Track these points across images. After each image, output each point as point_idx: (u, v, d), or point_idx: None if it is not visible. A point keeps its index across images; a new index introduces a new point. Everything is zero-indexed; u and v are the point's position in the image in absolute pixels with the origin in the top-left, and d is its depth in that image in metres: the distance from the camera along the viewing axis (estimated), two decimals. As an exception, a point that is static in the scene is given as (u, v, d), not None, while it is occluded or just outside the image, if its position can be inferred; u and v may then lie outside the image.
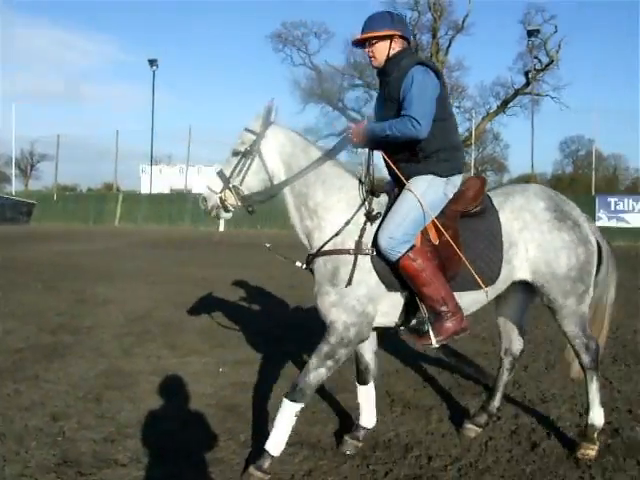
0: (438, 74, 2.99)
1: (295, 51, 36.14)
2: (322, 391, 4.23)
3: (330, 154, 3.14)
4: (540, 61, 31.96)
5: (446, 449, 3.32)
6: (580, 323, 3.22)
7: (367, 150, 3.13)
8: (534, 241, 3.13)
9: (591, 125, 23.08)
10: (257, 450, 3.13)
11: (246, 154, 3.03)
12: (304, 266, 3.18)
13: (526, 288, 3.36)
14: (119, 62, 75.56)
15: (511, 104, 33.57)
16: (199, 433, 3.53)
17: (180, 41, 69.91)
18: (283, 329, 6.09)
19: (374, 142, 3.03)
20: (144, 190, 30.43)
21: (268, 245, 3.40)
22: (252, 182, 3.06)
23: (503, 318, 3.63)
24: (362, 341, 3.12)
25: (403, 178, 2.99)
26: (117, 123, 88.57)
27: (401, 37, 3.07)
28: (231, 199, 3.06)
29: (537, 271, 3.15)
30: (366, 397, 3.42)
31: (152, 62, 30.86)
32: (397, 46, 3.07)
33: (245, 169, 3.03)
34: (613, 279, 3.45)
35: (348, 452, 3.27)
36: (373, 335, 3.34)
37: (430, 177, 3.00)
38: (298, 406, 2.98)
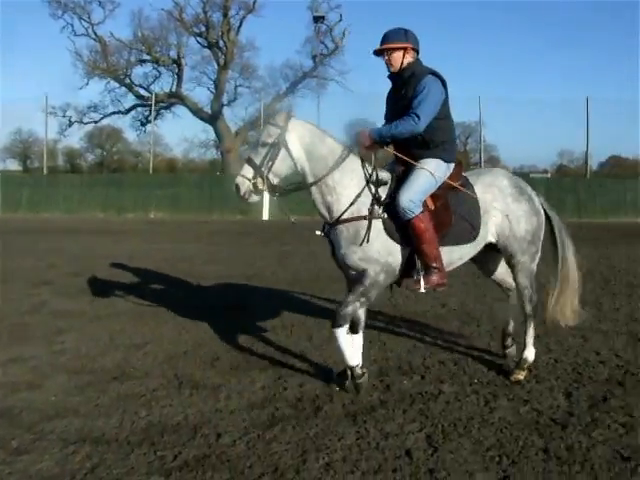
0: (444, 83, 3.80)
1: (76, 19, 33.08)
2: (103, 383, 4.03)
3: (342, 143, 3.84)
4: (327, 47, 33.43)
5: (234, 425, 3.37)
6: (529, 278, 4.14)
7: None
8: (501, 210, 3.99)
9: (374, 109, 24.60)
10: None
11: (273, 145, 3.64)
12: (322, 234, 3.89)
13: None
14: None
15: (300, 86, 34.69)
16: (-40, 446, 3.13)
17: None
18: (59, 320, 5.67)
19: (382, 141, 3.79)
20: None
21: (294, 220, 4.04)
22: (280, 168, 3.69)
23: (494, 274, 4.55)
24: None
25: (413, 161, 3.76)
26: None
27: (413, 49, 3.83)
28: (261, 184, 3.64)
29: (502, 234, 4.03)
30: (357, 344, 3.94)
31: None
32: (409, 56, 3.82)
33: (274, 158, 3.64)
34: (570, 245, 4.31)
35: (341, 389, 3.86)
36: None
37: (437, 160, 3.80)
38: (345, 328, 3.75)
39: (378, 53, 3.91)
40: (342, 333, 3.76)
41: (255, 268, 9.09)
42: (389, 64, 3.85)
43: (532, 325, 4.21)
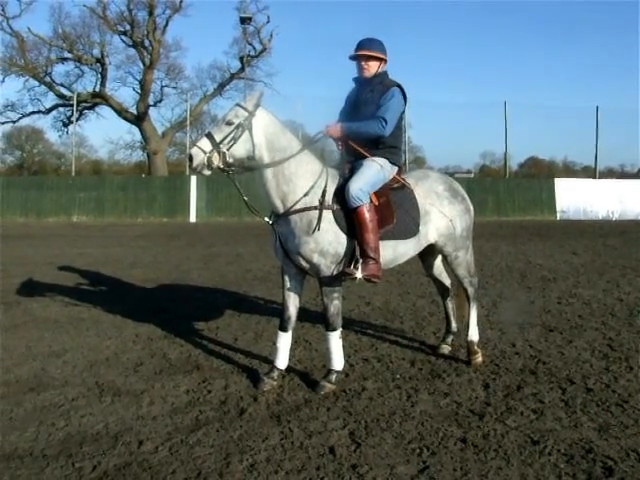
0: (406, 96, 4.13)
1: (-10, 12, 31.19)
2: (19, 395, 3.86)
3: (301, 138, 4.07)
4: (254, 48, 33.25)
5: (157, 431, 3.31)
6: (467, 268, 4.51)
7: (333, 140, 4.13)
8: (439, 213, 4.25)
9: (300, 111, 24.53)
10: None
11: (239, 126, 3.73)
12: (271, 222, 3.95)
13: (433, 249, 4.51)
14: None
15: (227, 87, 34.32)
16: None
17: None
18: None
19: (349, 136, 3.99)
20: None
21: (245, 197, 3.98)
22: (239, 150, 3.76)
23: (431, 271, 4.86)
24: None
25: (368, 154, 3.99)
26: None
27: (385, 61, 4.17)
28: (216, 160, 3.68)
29: (441, 234, 4.30)
30: (284, 343, 4.11)
31: None
32: (382, 67, 4.17)
33: (236, 138, 3.72)
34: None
35: (265, 389, 3.89)
36: (298, 293, 4.12)
37: (385, 160, 4.06)
38: (339, 331, 3.99)
39: (354, 57, 4.15)
40: (336, 336, 3.98)
41: (181, 271, 8.95)
42: (364, 69, 4.12)
43: (475, 307, 4.59)
